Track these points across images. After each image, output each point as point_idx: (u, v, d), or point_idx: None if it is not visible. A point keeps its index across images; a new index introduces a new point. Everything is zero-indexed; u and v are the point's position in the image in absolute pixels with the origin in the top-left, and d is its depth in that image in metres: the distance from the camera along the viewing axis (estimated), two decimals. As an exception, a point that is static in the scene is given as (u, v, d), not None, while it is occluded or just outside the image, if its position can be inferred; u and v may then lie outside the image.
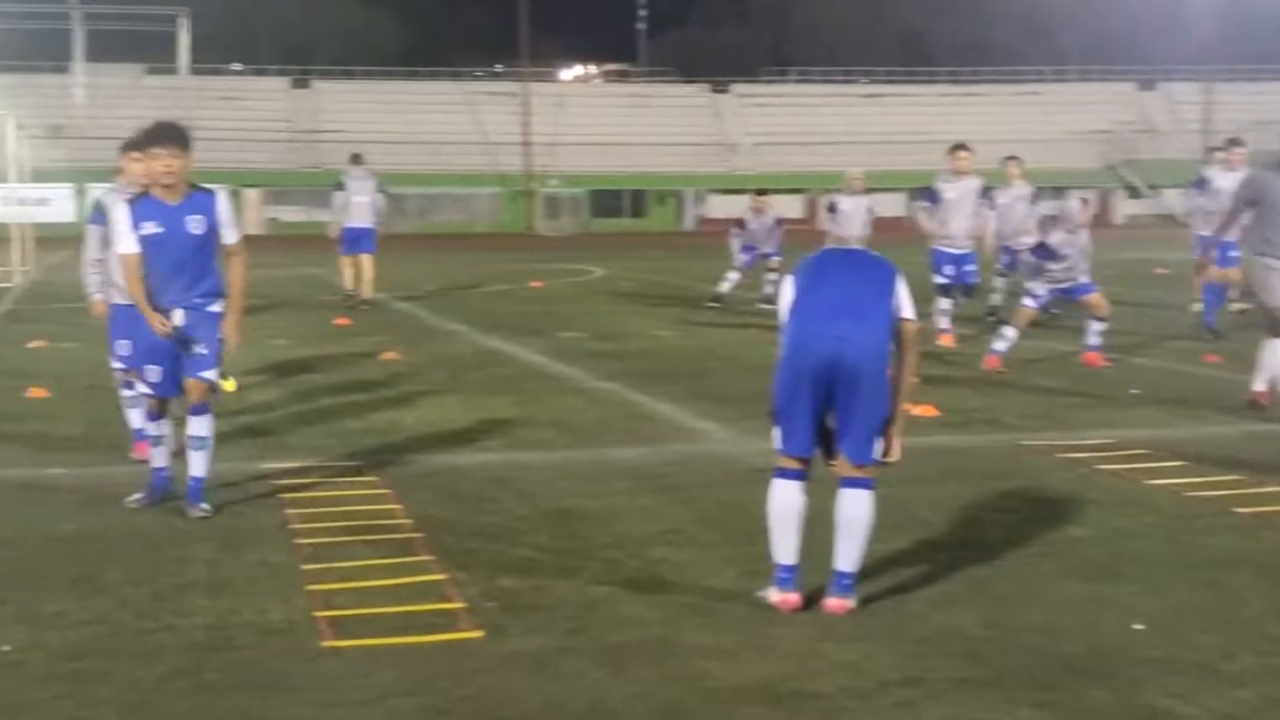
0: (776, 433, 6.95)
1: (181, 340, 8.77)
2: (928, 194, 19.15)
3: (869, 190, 23.41)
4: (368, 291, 25.59)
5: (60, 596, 7.09)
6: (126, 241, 8.76)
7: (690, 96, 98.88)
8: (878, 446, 6.90)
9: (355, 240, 25.71)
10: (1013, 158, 21.84)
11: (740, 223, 25.67)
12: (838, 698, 5.68)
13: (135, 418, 10.42)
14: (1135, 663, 6.05)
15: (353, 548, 7.98)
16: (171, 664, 6.08)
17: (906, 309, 6.96)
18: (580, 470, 10.33)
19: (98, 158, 61.91)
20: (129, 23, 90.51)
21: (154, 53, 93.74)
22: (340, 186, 26.26)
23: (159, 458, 9.18)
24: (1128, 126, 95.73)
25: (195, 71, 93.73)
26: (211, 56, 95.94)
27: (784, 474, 6.95)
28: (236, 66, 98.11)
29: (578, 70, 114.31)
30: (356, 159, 26.84)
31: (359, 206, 25.75)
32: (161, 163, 8.64)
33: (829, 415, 6.89)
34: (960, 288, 19.00)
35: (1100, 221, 76.96)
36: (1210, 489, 9.39)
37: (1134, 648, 6.26)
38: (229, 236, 8.93)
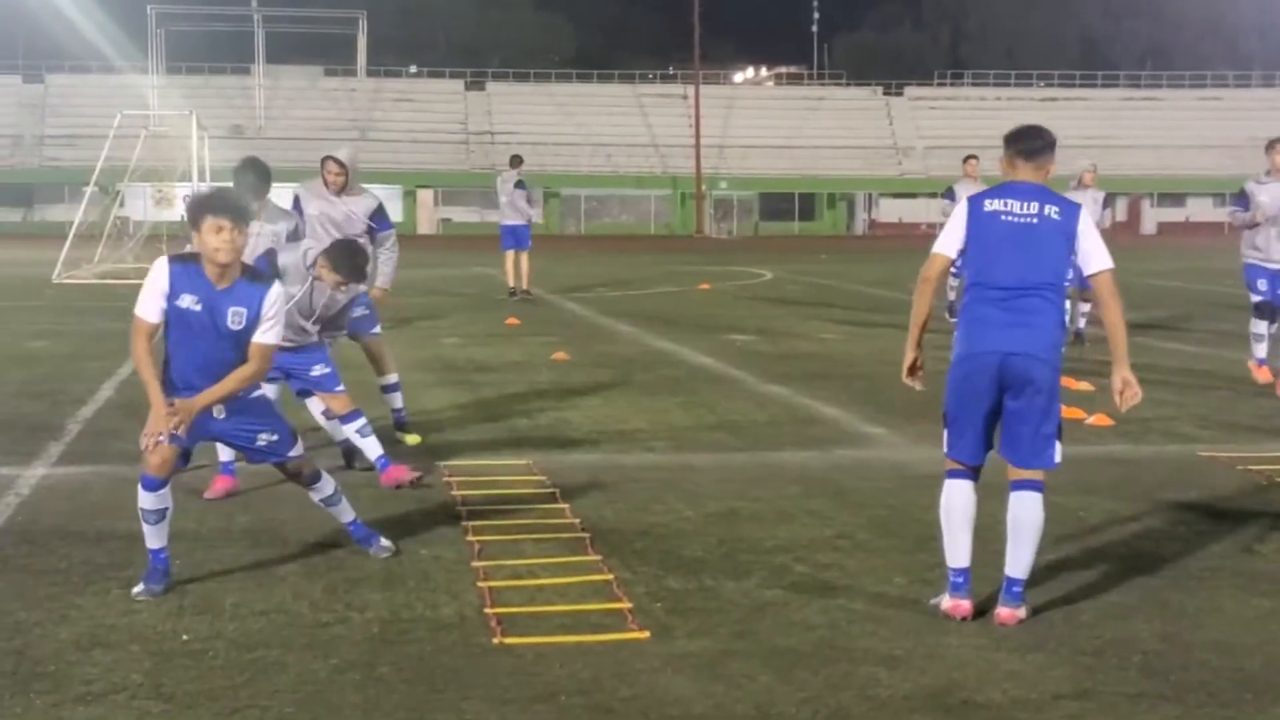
0: (945, 435, 6.94)
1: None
2: (1239, 200, 15.91)
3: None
4: (525, 284, 27.48)
5: (237, 588, 7.25)
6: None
7: (862, 99, 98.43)
8: (1057, 449, 6.82)
9: (513, 237, 27.52)
10: None
11: (950, 192, 22.52)
12: (1008, 709, 5.62)
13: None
14: (1317, 682, 5.92)
15: (522, 546, 8.06)
16: (345, 657, 6.19)
17: None
18: (748, 473, 10.32)
19: (275, 158, 63.16)
20: (308, 25, 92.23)
21: (332, 55, 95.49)
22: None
23: (154, 536, 7.30)
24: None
25: (371, 73, 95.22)
26: (388, 59, 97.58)
27: (955, 474, 6.92)
28: (412, 68, 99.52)
29: (749, 73, 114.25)
30: (515, 160, 28.40)
31: (515, 206, 27.60)
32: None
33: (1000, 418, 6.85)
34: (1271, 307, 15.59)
35: None
36: (1397, 505, 9.15)
37: (1316, 666, 6.12)
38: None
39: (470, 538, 8.22)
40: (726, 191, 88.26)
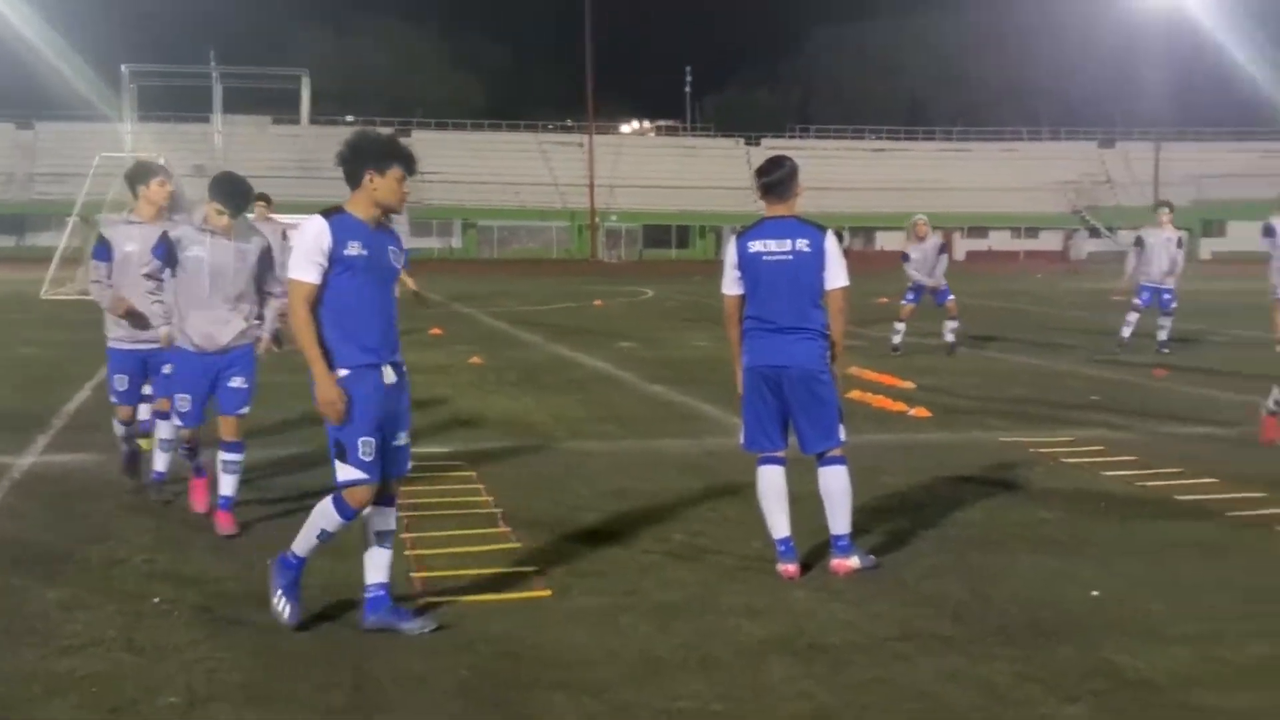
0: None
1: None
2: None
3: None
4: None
5: (198, 560, 7.18)
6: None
7: (728, 149, 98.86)
8: (840, 430, 6.97)
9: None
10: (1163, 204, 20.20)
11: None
12: (845, 650, 5.69)
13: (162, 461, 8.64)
14: (1093, 626, 6.04)
15: (444, 521, 8.03)
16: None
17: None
18: (635, 458, 10.35)
19: (235, 193, 62.34)
20: (259, 81, 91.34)
21: (279, 106, 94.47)
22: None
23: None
24: (1090, 178, 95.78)
25: (314, 122, 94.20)
26: (328, 109, 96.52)
27: (763, 461, 7.07)
28: (349, 118, 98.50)
29: (634, 125, 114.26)
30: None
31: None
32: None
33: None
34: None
35: (1061, 257, 77.17)
36: (1156, 480, 9.33)
37: (1092, 613, 6.24)
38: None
39: (400, 514, 8.15)
40: (616, 224, 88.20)
